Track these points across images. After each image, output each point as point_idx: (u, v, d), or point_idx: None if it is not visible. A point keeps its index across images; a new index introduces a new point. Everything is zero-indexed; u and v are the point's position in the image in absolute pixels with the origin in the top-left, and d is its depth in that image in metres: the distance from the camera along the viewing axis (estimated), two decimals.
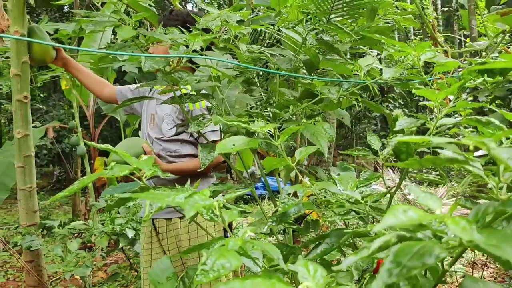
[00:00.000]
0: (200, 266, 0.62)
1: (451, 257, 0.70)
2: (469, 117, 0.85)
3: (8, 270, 4.38)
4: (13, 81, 2.50)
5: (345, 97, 1.36)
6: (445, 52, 1.45)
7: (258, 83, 1.57)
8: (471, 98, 0.99)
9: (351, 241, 0.93)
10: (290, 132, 1.03)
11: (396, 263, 0.50)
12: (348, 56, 1.82)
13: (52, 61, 2.18)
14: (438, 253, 0.49)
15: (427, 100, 0.85)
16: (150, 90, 2.06)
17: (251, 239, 0.75)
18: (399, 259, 0.50)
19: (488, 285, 0.67)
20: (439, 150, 0.72)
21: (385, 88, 9.90)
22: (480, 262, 4.12)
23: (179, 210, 1.86)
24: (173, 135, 1.90)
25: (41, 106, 7.21)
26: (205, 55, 1.26)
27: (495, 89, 0.92)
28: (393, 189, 0.96)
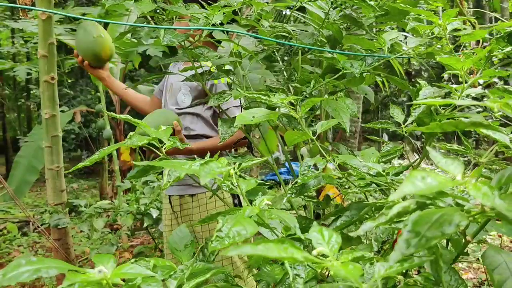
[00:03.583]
0: (216, 233, 0.62)
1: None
2: (497, 86, 0.81)
3: (38, 250, 4.51)
4: (40, 62, 2.54)
5: (368, 73, 1.33)
6: (473, 26, 1.40)
7: (279, 60, 1.55)
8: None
9: (372, 214, 0.91)
10: (311, 104, 1.02)
11: (415, 233, 0.49)
12: (374, 31, 1.78)
13: (102, 69, 1.96)
14: (458, 221, 0.47)
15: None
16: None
17: (268, 208, 0.75)
18: (418, 229, 0.48)
19: (511, 256, 0.64)
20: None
21: (412, 73, 9.69)
22: (508, 249, 4.04)
23: (192, 184, 1.87)
24: (188, 106, 1.85)
25: (68, 91, 7.33)
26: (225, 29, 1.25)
27: None
28: (416, 162, 0.94)
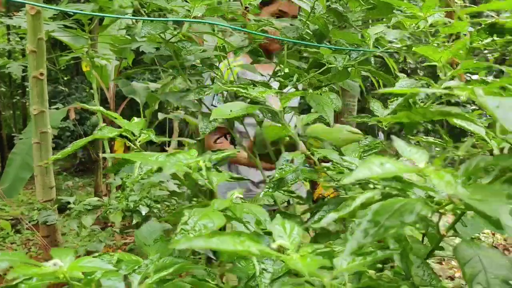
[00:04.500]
0: (180, 226, 0.60)
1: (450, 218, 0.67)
2: (476, 78, 0.80)
3: (31, 248, 4.49)
4: (30, 58, 2.52)
5: (353, 67, 1.31)
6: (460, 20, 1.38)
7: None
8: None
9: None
10: (291, 97, 1.00)
11: (374, 223, 0.47)
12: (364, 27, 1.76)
13: None
14: (419, 210, 0.46)
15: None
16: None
17: (240, 202, 0.73)
18: (378, 218, 0.47)
19: (485, 250, 0.63)
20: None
21: (408, 71, 9.68)
22: (502, 247, 4.03)
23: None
24: None
25: (63, 88, 7.30)
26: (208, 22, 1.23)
27: (504, 49, 0.87)
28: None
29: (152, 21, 1.12)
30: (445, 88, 0.55)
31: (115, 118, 0.89)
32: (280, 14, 1.81)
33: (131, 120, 0.84)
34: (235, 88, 0.99)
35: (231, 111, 0.94)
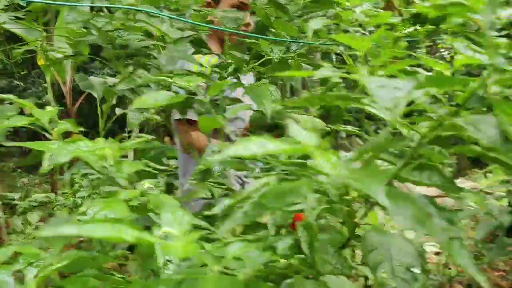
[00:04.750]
0: (77, 216, 0.57)
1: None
2: (396, 67, 0.80)
3: None
4: None
5: (292, 59, 1.30)
6: (400, 14, 1.39)
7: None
8: None
9: None
10: (219, 86, 0.98)
11: (256, 205, 0.46)
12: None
13: None
14: (303, 192, 0.45)
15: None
16: None
17: (151, 193, 0.71)
18: (263, 201, 0.46)
19: (394, 238, 0.62)
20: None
21: None
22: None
23: None
24: None
25: (18, 83, 7.07)
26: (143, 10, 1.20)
27: (426, 38, 0.88)
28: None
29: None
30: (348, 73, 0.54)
31: (30, 108, 0.85)
32: (240, 6, 1.77)
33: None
34: (160, 78, 0.96)
35: (155, 100, 0.91)
